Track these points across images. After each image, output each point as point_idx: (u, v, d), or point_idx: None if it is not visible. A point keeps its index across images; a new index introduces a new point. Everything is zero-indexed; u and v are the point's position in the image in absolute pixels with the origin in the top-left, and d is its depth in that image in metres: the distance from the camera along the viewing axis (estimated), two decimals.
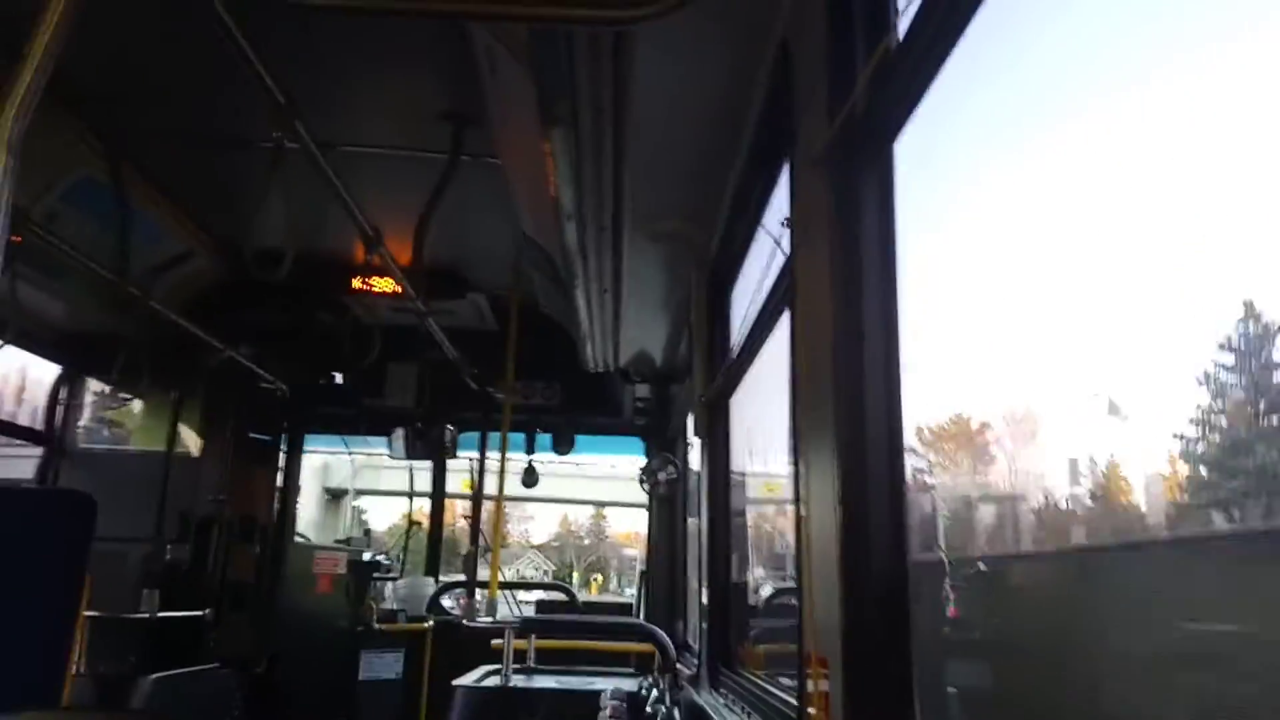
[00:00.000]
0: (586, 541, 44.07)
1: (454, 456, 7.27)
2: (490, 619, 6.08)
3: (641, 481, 7.02)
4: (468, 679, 4.63)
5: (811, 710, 2.02)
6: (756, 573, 4.91)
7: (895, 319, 1.91)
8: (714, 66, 3.00)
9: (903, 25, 1.70)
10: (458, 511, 8.05)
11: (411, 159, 4.49)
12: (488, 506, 6.82)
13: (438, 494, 7.54)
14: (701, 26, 2.73)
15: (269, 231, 4.56)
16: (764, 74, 2.90)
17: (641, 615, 7.11)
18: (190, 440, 6.62)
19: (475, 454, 7.12)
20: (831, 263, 2.00)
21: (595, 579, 37.21)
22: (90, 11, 1.56)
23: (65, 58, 1.55)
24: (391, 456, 7.20)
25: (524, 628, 5.19)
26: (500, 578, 5.99)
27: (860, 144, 1.94)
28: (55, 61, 1.54)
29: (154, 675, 5.11)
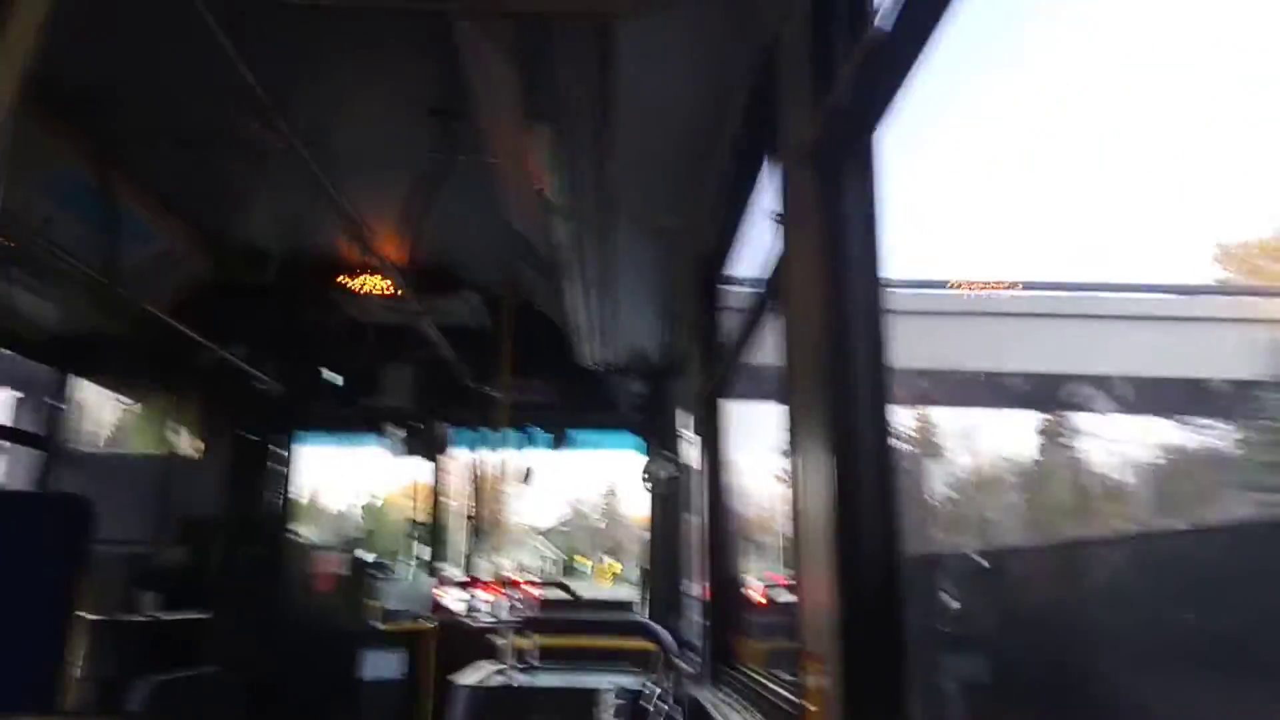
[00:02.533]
0: (601, 525, 42.73)
1: (445, 454, 7.26)
2: (491, 617, 6.08)
3: (643, 480, 7.01)
4: (468, 677, 4.62)
5: (810, 706, 2.01)
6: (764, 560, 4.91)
7: (882, 310, 1.90)
8: (699, 60, 2.98)
9: (886, 16, 1.68)
10: (455, 504, 8.02)
11: (402, 156, 4.47)
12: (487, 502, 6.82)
13: (435, 492, 7.53)
14: (685, 21, 2.71)
15: (257, 231, 4.56)
16: (749, 68, 2.87)
17: (647, 612, 7.10)
18: (186, 442, 6.60)
19: (472, 451, 7.12)
20: (819, 255, 1.98)
21: (606, 563, 35.20)
22: (74, 13, 1.53)
23: (50, 61, 1.53)
24: (389, 456, 7.19)
25: (525, 626, 5.17)
26: (502, 571, 6.00)
27: (845, 136, 1.92)
28: (31, 62, 1.52)
29: (153, 678, 5.10)
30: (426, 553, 7.65)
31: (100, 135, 4.29)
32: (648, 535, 7.33)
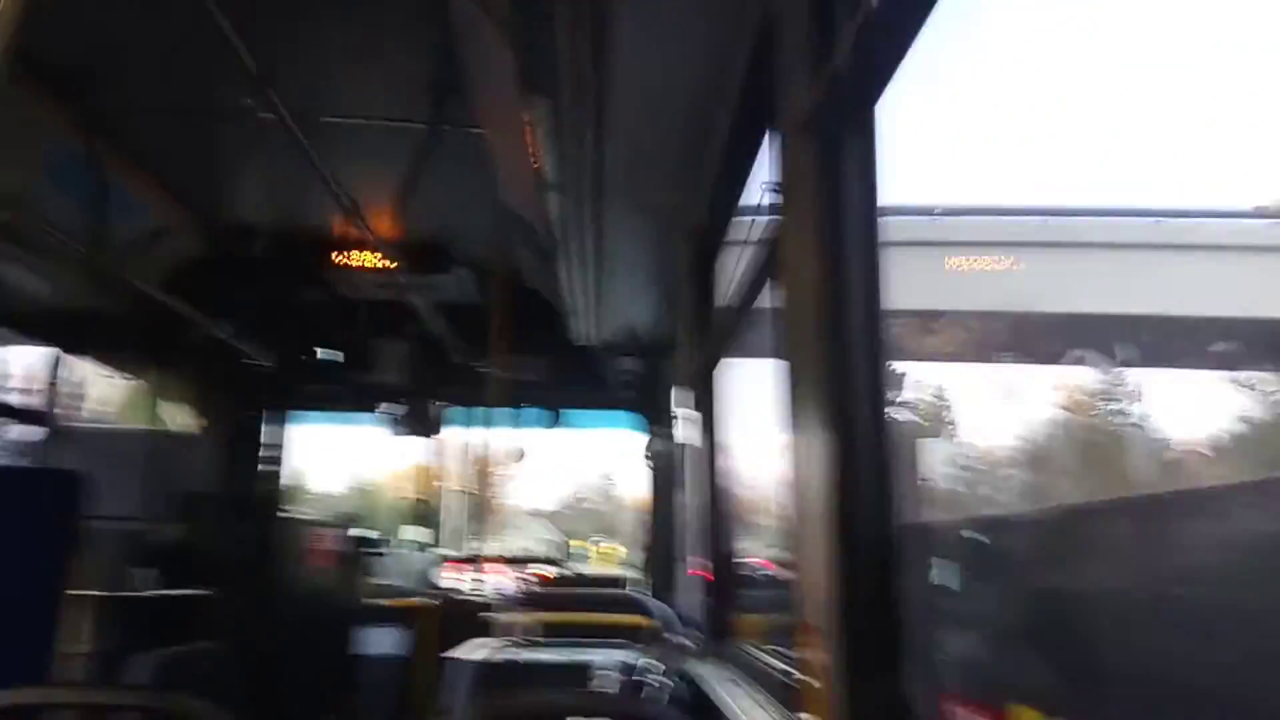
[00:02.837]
0: (601, 509, 42.38)
1: (438, 432, 7.26)
2: (485, 593, 6.11)
3: (646, 457, 7.02)
4: (462, 652, 4.63)
5: (808, 678, 2.01)
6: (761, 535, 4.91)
7: (878, 281, 1.89)
8: (697, 32, 2.95)
9: None
10: (451, 483, 8.03)
11: (392, 130, 4.42)
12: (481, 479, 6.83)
13: (430, 470, 7.53)
14: None
15: (249, 206, 4.53)
16: (746, 38, 2.85)
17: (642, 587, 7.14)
18: (179, 418, 6.59)
19: (466, 429, 7.12)
20: (816, 228, 1.97)
21: (600, 545, 33.15)
22: None
23: (39, 33, 1.51)
24: (386, 434, 7.19)
25: (520, 602, 5.19)
26: (496, 549, 6.01)
27: (844, 106, 1.90)
28: (16, 34, 1.49)
29: (150, 653, 5.10)
30: (423, 531, 7.66)
31: (90, 109, 4.24)
32: (647, 517, 7.36)
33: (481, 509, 6.68)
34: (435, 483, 7.73)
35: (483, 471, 7.08)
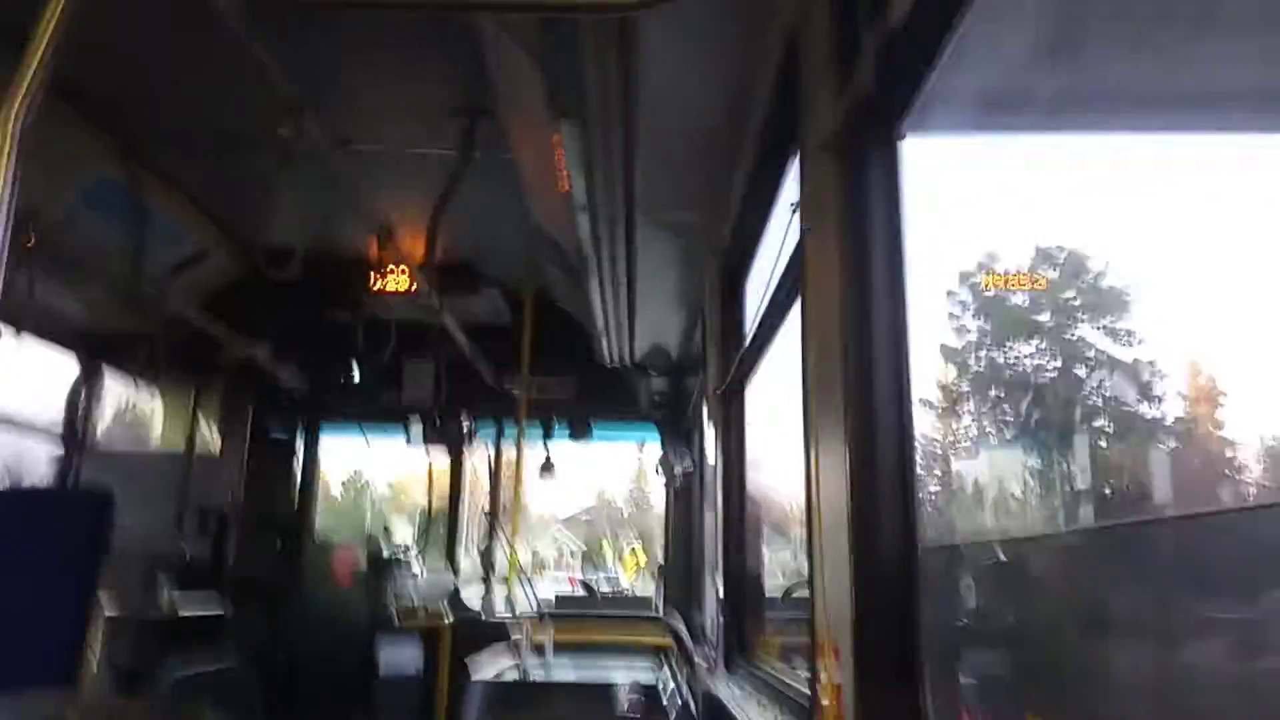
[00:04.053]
0: (626, 512, 40.89)
1: (470, 445, 7.30)
2: (509, 612, 6.11)
3: (658, 472, 7.03)
4: (486, 672, 4.65)
5: (824, 699, 2.02)
6: (778, 557, 4.89)
7: (904, 304, 1.91)
8: (721, 55, 2.99)
9: (907, 2, 1.69)
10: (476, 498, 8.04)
11: (424, 155, 4.50)
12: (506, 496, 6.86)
13: (455, 486, 7.56)
14: (707, 15, 2.73)
15: (283, 230, 4.60)
16: (772, 60, 2.88)
17: (660, 606, 7.12)
18: (210, 437, 6.67)
19: (492, 445, 7.16)
20: (840, 248, 1.99)
21: (632, 550, 32.16)
22: (99, 14, 1.56)
23: (77, 61, 1.56)
24: (409, 445, 7.23)
25: (541, 620, 5.20)
26: (520, 562, 6.04)
27: (868, 127, 1.93)
28: (58, 62, 1.55)
29: (173, 670, 5.15)
30: (444, 548, 7.68)
31: (129, 136, 4.35)
32: (668, 531, 7.35)
33: (508, 523, 6.70)
34: (461, 499, 7.75)
35: (509, 487, 7.11)
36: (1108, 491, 3.22)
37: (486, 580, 6.87)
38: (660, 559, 7.65)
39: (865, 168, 1.95)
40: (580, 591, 8.75)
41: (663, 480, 7.10)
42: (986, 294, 4.07)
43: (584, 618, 5.63)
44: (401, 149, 4.52)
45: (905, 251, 1.93)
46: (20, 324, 4.63)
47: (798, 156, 2.55)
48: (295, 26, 3.41)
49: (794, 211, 2.52)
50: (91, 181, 4.48)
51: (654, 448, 7.56)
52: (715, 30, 2.85)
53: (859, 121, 1.92)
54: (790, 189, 2.82)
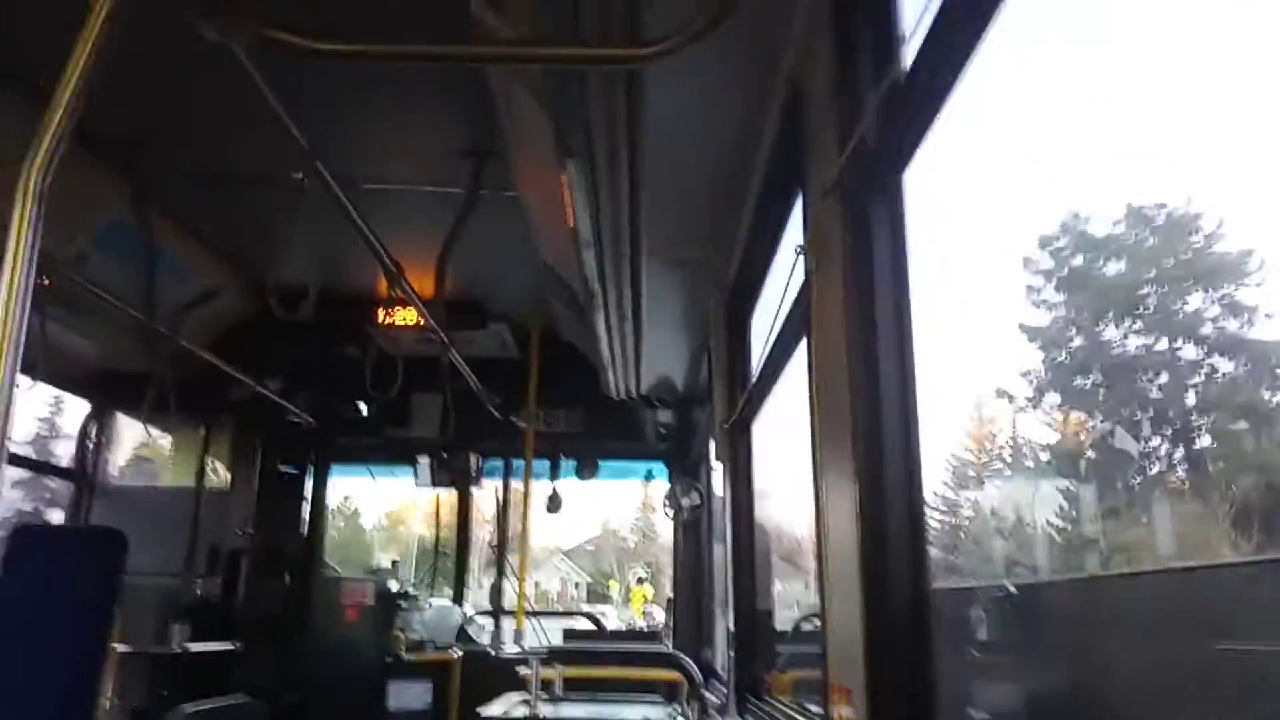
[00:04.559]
0: (630, 544, 38.93)
1: (479, 485, 7.31)
2: (517, 648, 6.08)
3: (666, 507, 7.02)
4: (494, 708, 4.63)
5: None
6: (790, 591, 4.86)
7: (909, 345, 1.93)
8: (726, 100, 3.04)
9: (910, 55, 1.73)
10: (483, 533, 8.03)
11: (432, 194, 4.56)
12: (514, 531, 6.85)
13: (463, 522, 7.56)
14: (712, 62, 2.77)
15: (293, 269, 4.64)
16: (775, 106, 2.93)
17: (670, 642, 7.08)
18: (219, 474, 6.70)
19: (500, 481, 7.17)
20: (845, 290, 2.02)
21: (640, 582, 29.88)
22: (114, 59, 1.59)
23: (90, 105, 1.59)
24: (417, 485, 7.25)
25: (551, 656, 5.18)
26: (529, 595, 6.02)
27: (871, 174, 1.96)
28: (80, 111, 1.58)
29: (184, 708, 5.14)
30: (452, 582, 7.67)
31: (140, 178, 4.41)
32: (677, 568, 7.33)
33: (513, 560, 6.69)
34: (468, 534, 7.74)
35: (516, 522, 7.10)
36: None
37: (495, 615, 6.85)
38: (669, 592, 7.63)
39: (869, 212, 1.98)
40: (588, 625, 8.70)
41: (668, 514, 7.08)
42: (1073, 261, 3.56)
43: (593, 653, 5.60)
44: (411, 189, 4.58)
45: (910, 292, 1.96)
46: (35, 365, 4.67)
47: (801, 198, 2.58)
48: (308, 73, 3.47)
49: (799, 254, 2.55)
50: (104, 223, 4.54)
51: (660, 478, 7.59)
52: (720, 74, 2.90)
53: (863, 169, 1.95)
54: (794, 229, 2.85)
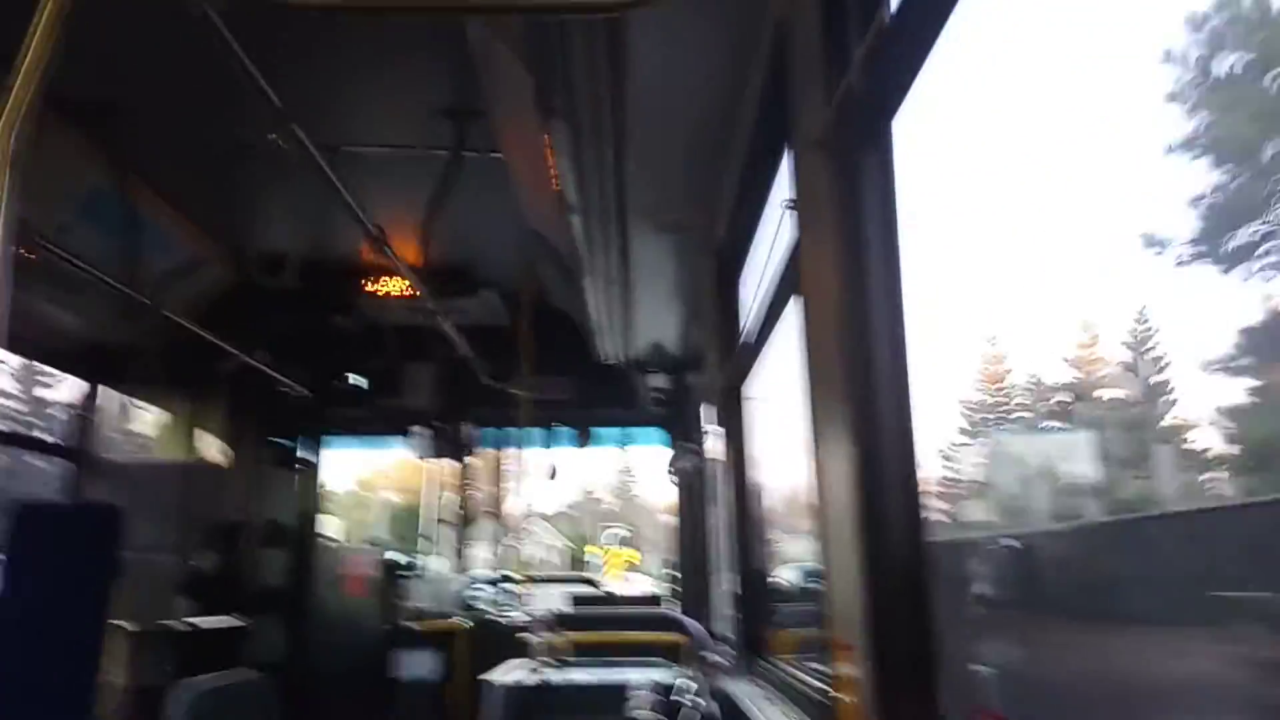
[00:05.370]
0: (612, 506, 38.83)
1: (474, 454, 7.31)
2: (520, 614, 6.11)
3: (669, 474, 7.02)
4: (498, 675, 4.64)
5: (842, 695, 2.01)
6: (791, 550, 4.87)
7: (900, 298, 1.89)
8: (710, 52, 2.97)
9: (895, 2, 1.68)
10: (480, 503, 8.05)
11: (415, 157, 4.47)
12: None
13: (461, 490, 7.57)
14: (696, 12, 2.71)
15: (276, 236, 4.58)
16: (761, 57, 2.87)
17: (673, 605, 7.12)
18: (213, 448, 6.67)
19: (495, 449, 7.17)
20: (836, 244, 1.98)
21: (618, 551, 27.28)
22: (82, 23, 1.54)
23: (63, 72, 1.54)
24: (418, 457, 7.25)
25: (554, 621, 5.19)
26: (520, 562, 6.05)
27: (859, 124, 1.91)
28: (49, 73, 1.53)
29: (188, 684, 5.15)
30: (453, 551, 7.70)
31: (118, 145, 4.32)
32: (668, 519, 7.35)
33: (505, 527, 6.71)
34: (467, 503, 7.76)
35: (511, 490, 7.12)
36: None
37: (495, 583, 6.88)
38: (655, 555, 7.67)
39: (858, 163, 1.94)
40: (588, 590, 8.76)
41: (671, 480, 7.08)
42: None
43: (599, 619, 5.62)
44: (393, 152, 4.50)
45: (900, 244, 1.92)
46: (22, 339, 4.62)
47: (789, 152, 2.53)
48: (285, 33, 3.39)
49: (787, 208, 2.51)
50: (84, 193, 4.46)
51: (641, 441, 7.59)
52: (704, 28, 2.83)
53: (850, 118, 1.90)
54: (782, 185, 2.80)
